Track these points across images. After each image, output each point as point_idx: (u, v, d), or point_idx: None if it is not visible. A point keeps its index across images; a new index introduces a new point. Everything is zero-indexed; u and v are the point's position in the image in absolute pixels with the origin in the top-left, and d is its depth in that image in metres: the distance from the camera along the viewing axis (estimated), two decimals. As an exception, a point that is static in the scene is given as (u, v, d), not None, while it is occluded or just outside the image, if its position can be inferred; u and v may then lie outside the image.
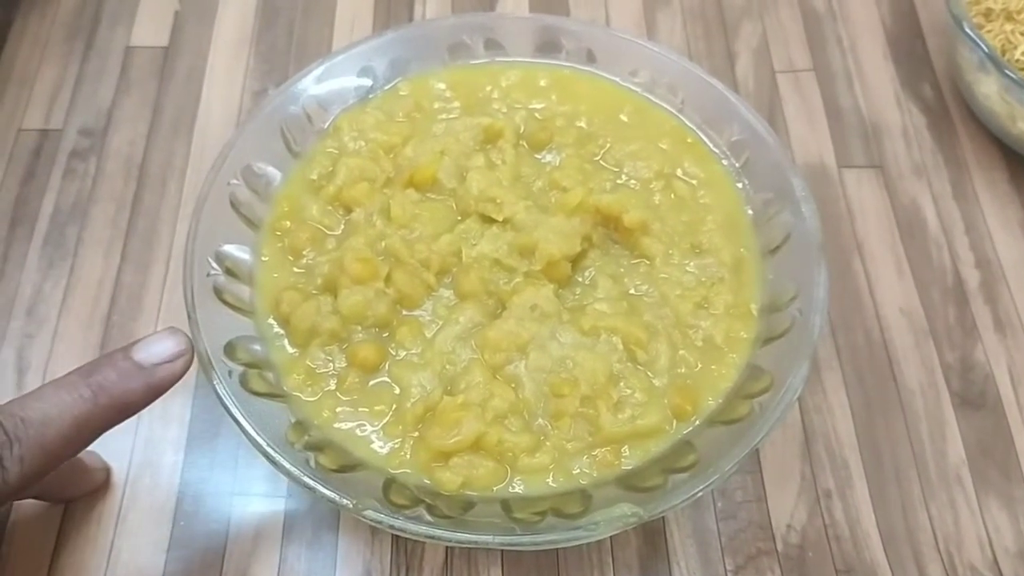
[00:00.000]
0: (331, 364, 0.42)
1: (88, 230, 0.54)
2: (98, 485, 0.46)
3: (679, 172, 0.48)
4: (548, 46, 0.51)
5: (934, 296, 0.53)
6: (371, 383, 0.42)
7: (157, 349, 0.37)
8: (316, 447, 0.39)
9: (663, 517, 0.46)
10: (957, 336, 0.52)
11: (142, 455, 0.47)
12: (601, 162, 0.49)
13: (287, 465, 0.37)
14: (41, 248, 0.54)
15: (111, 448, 0.47)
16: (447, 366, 0.42)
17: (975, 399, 0.50)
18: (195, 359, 0.38)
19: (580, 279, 0.45)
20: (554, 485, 0.40)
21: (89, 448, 0.37)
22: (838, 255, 0.54)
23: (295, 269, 0.45)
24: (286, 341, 0.43)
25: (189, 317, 0.41)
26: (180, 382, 0.48)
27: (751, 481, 0.47)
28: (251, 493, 0.46)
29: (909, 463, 0.48)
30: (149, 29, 0.63)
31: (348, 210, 0.46)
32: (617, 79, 0.51)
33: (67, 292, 0.52)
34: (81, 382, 0.35)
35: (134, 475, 0.47)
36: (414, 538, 0.38)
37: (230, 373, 0.40)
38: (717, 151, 0.49)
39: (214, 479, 0.47)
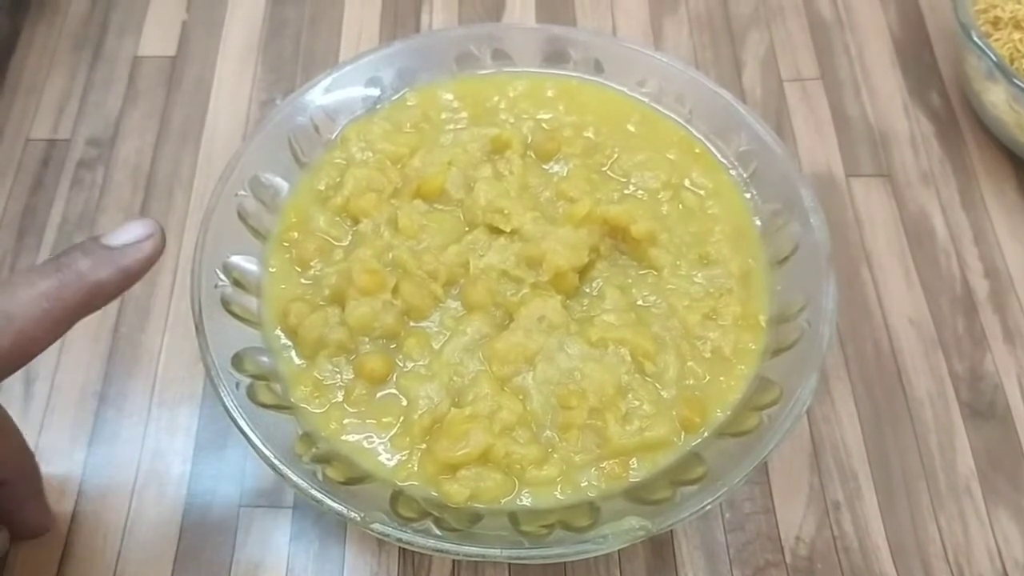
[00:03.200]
0: (338, 376, 0.42)
1: (96, 240, 0.55)
2: (43, 529, 0.45)
3: (687, 182, 0.48)
4: (555, 56, 0.51)
5: (943, 306, 0.53)
6: (378, 395, 0.42)
7: (125, 234, 0.36)
8: (323, 459, 0.39)
9: (671, 529, 0.46)
10: (966, 346, 0.52)
11: (149, 465, 0.47)
12: (609, 172, 0.49)
13: (294, 478, 0.37)
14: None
15: (117, 458, 0.47)
16: (454, 378, 0.42)
17: (984, 409, 0.50)
18: (165, 243, 0.37)
19: (588, 290, 0.45)
20: (562, 498, 0.40)
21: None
22: (846, 264, 0.54)
23: (302, 280, 0.45)
24: (293, 352, 0.43)
25: (197, 328, 0.41)
26: (187, 393, 0.49)
27: (759, 492, 0.47)
28: (258, 504, 0.46)
29: (918, 474, 0.48)
30: (157, 39, 0.64)
31: (356, 221, 0.46)
32: (625, 89, 0.51)
33: (75, 302, 0.52)
34: (50, 264, 0.34)
35: (140, 486, 0.47)
36: (421, 551, 0.38)
37: (237, 385, 0.40)
38: (725, 161, 0.49)
39: (221, 490, 0.47)
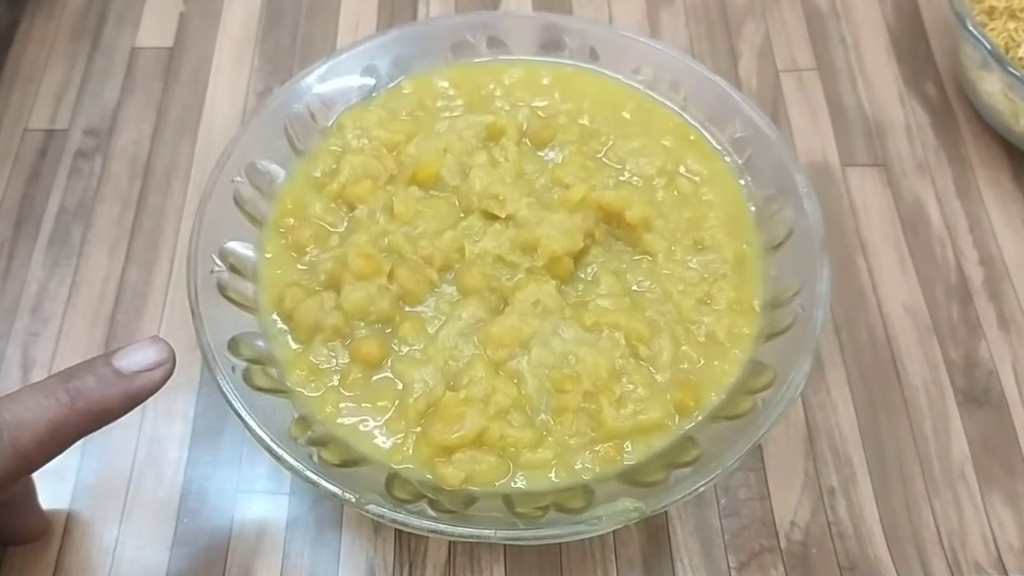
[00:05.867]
0: (334, 360, 0.42)
1: (93, 229, 0.55)
2: (38, 535, 0.45)
3: (682, 169, 0.49)
4: (551, 44, 0.52)
5: (938, 293, 0.53)
6: (374, 379, 0.42)
7: (138, 357, 0.36)
8: (319, 442, 0.39)
9: (666, 514, 0.46)
10: (961, 333, 0.52)
11: (146, 452, 0.47)
12: (604, 159, 0.49)
13: (290, 460, 0.37)
14: (46, 247, 0.54)
15: (114, 445, 0.47)
16: (449, 362, 0.42)
17: (979, 396, 0.50)
18: (175, 369, 0.37)
19: (582, 275, 0.45)
20: (556, 480, 0.40)
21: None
22: (841, 253, 0.54)
23: (298, 266, 0.45)
24: (289, 337, 0.43)
25: (193, 313, 0.41)
26: (184, 379, 0.49)
27: (754, 478, 0.47)
28: (255, 490, 0.46)
29: (913, 460, 0.48)
30: (154, 30, 0.64)
31: (351, 207, 0.46)
32: (620, 77, 0.51)
33: (72, 290, 0.52)
34: (59, 386, 0.35)
35: (138, 472, 0.47)
36: (417, 532, 0.38)
37: (233, 369, 0.40)
38: (720, 148, 0.49)
39: (218, 476, 0.47)
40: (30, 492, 0.43)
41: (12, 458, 0.33)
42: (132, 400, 0.36)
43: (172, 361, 0.37)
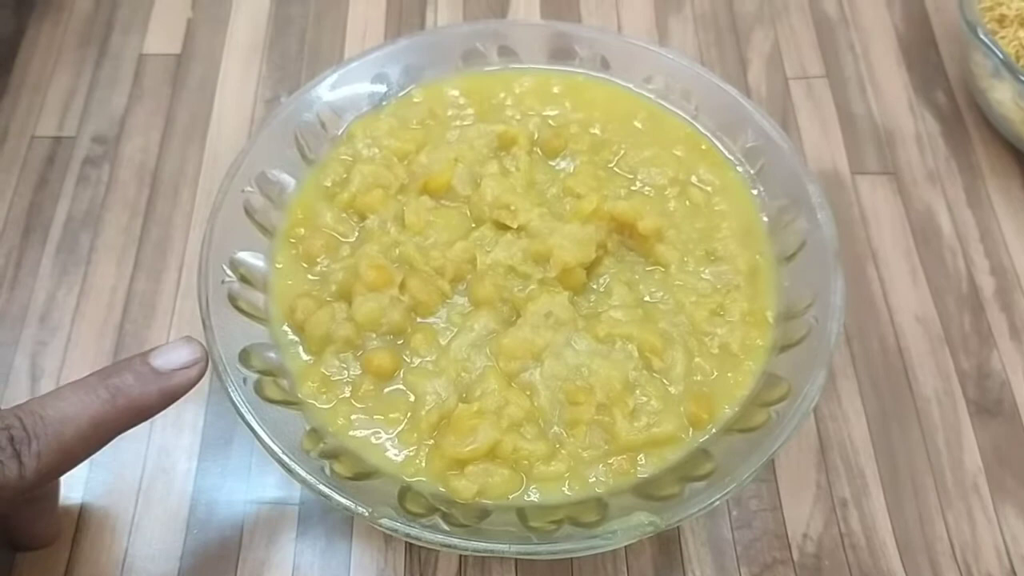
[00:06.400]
0: (346, 371, 0.42)
1: (101, 237, 0.55)
2: (52, 539, 0.45)
3: (694, 179, 0.48)
4: (562, 53, 0.51)
5: (949, 303, 0.53)
6: (386, 390, 0.42)
7: (174, 356, 0.38)
8: (331, 455, 0.39)
9: (678, 526, 0.45)
10: (973, 343, 0.52)
11: (155, 462, 0.47)
12: (615, 169, 0.49)
13: (302, 473, 0.37)
14: (55, 255, 0.54)
15: (124, 455, 0.47)
16: (462, 373, 0.42)
17: (991, 407, 0.50)
18: (209, 367, 0.39)
19: (595, 286, 0.45)
20: (570, 493, 0.39)
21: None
22: (852, 262, 0.54)
23: (309, 276, 0.45)
24: (300, 348, 0.43)
25: (204, 324, 0.41)
26: (194, 389, 0.48)
27: (766, 490, 0.47)
28: (264, 500, 0.46)
29: (925, 471, 0.48)
30: (162, 37, 0.64)
31: (362, 217, 0.46)
32: (631, 86, 0.51)
33: (80, 299, 0.52)
34: (100, 384, 0.36)
35: (147, 482, 0.47)
36: (429, 547, 0.38)
37: (245, 380, 0.40)
38: (732, 158, 0.49)
39: (227, 486, 0.47)
40: (53, 495, 0.43)
41: (56, 452, 0.34)
42: (169, 397, 0.37)
43: (206, 360, 0.38)
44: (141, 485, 0.47)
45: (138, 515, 0.46)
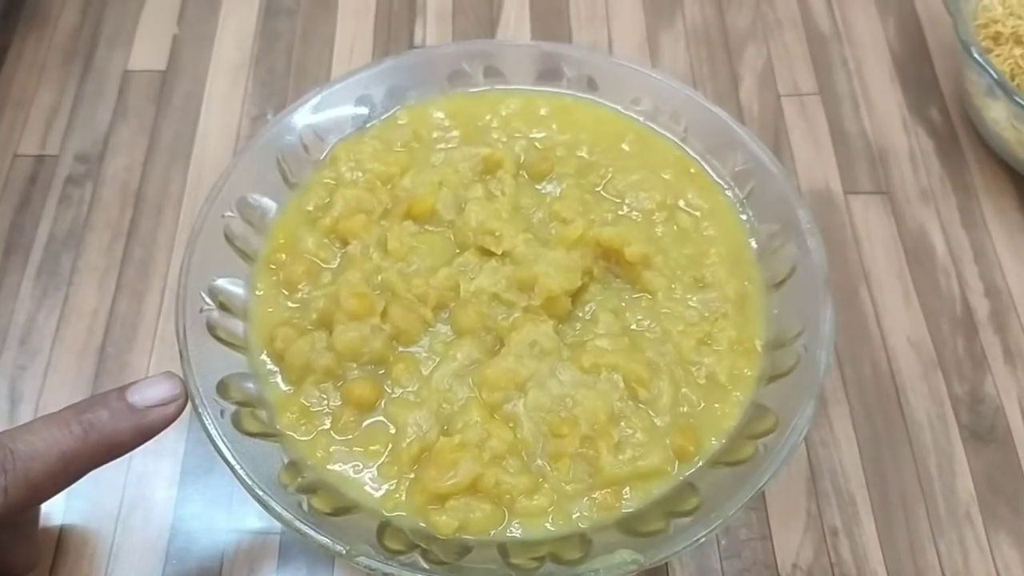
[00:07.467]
0: (326, 402, 0.41)
1: (83, 258, 0.54)
2: (31, 567, 0.44)
3: (682, 203, 0.47)
4: (549, 74, 0.51)
5: (943, 326, 0.52)
6: (366, 422, 0.41)
7: (151, 392, 0.37)
8: (309, 489, 0.38)
9: (665, 557, 0.45)
10: (966, 367, 0.51)
11: (135, 490, 0.47)
12: (602, 193, 0.48)
13: (279, 509, 0.36)
14: (35, 276, 0.53)
15: (103, 484, 0.46)
16: (444, 405, 0.41)
17: (985, 433, 0.49)
18: (188, 403, 0.38)
19: (580, 314, 0.44)
20: (553, 529, 0.39)
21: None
22: (844, 283, 0.53)
23: (290, 304, 0.44)
24: (280, 378, 0.42)
25: (181, 355, 0.40)
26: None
27: (756, 518, 0.46)
28: (245, 530, 0.46)
29: (917, 499, 0.47)
30: (147, 53, 0.63)
31: (344, 242, 0.45)
32: (619, 107, 0.50)
33: (61, 322, 0.52)
34: (73, 418, 0.35)
35: (126, 511, 0.46)
36: (409, 583, 0.37)
37: (222, 412, 0.39)
38: (721, 181, 0.48)
39: (208, 515, 0.46)
40: (33, 521, 0.43)
41: (23, 487, 0.34)
42: (144, 435, 0.37)
43: (185, 397, 0.38)
44: (120, 513, 0.46)
45: (117, 543, 0.45)
